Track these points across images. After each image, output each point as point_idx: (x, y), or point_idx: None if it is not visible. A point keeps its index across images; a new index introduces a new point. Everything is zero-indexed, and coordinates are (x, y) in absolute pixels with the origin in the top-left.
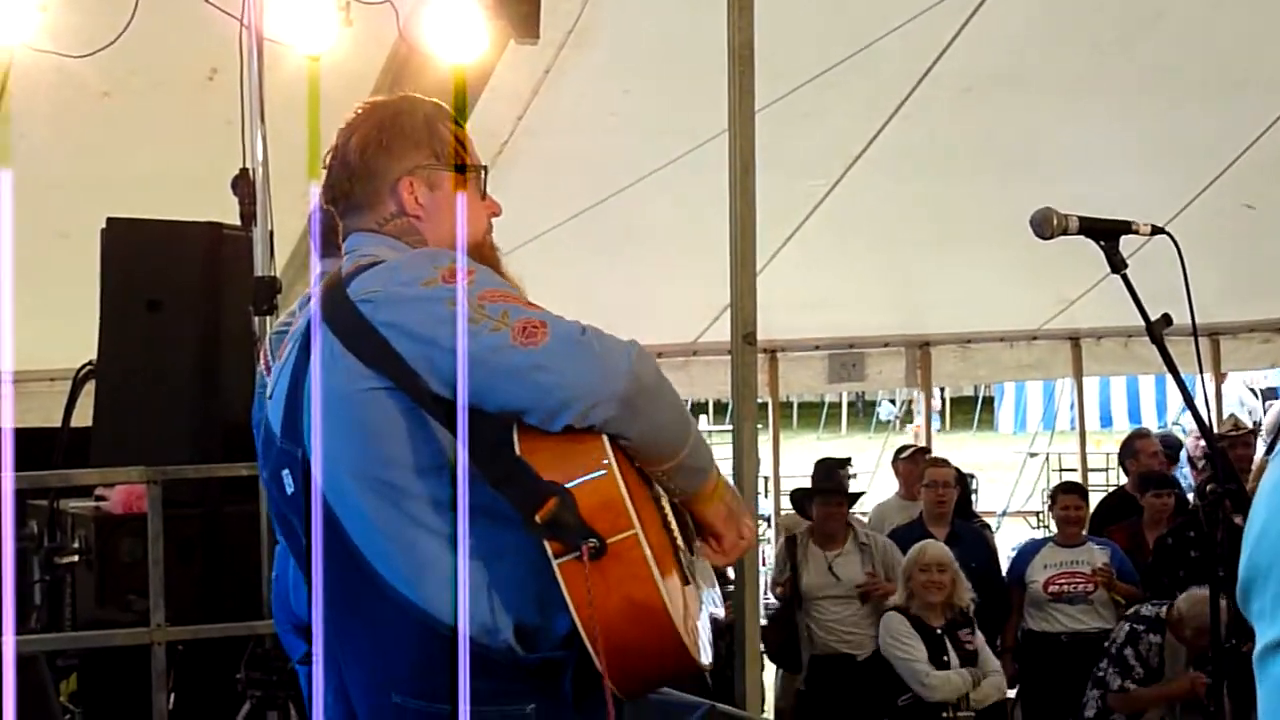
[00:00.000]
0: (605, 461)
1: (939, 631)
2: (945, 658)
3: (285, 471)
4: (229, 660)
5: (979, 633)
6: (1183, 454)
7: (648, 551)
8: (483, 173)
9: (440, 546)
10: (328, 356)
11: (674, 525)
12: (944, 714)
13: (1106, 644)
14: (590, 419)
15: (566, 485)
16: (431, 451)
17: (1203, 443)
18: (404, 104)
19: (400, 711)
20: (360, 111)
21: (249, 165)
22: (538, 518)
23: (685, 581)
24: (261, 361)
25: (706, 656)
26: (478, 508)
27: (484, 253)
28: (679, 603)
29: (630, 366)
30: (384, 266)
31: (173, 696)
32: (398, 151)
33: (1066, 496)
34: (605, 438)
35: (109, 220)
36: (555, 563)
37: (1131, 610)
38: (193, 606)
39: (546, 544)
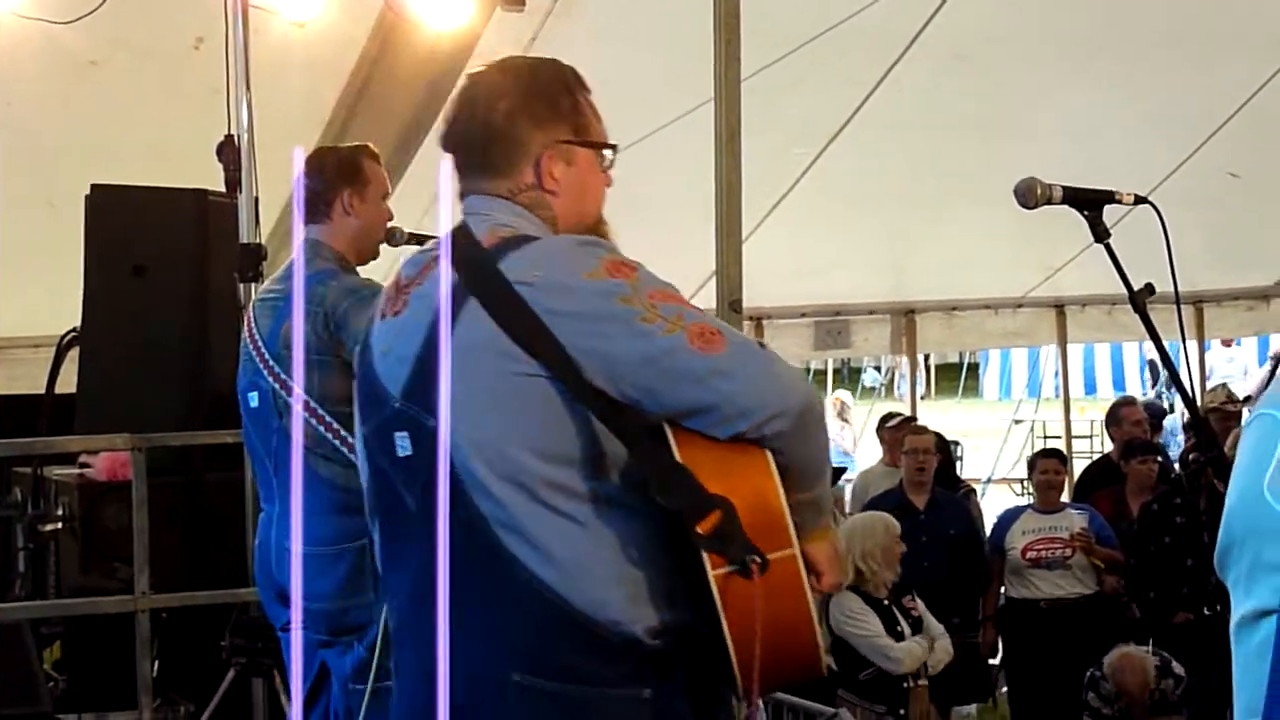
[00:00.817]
0: (770, 476)
1: (886, 603)
2: (899, 628)
3: (401, 434)
4: (213, 627)
5: (919, 599)
6: (1167, 421)
7: (804, 571)
8: (611, 151)
9: (580, 533)
10: (475, 332)
11: None
12: (905, 684)
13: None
14: (764, 430)
15: (728, 497)
16: (581, 442)
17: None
18: (551, 71)
19: (522, 690)
20: (505, 71)
21: (234, 132)
22: (700, 529)
23: None
24: (246, 329)
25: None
26: (610, 498)
27: (600, 229)
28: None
29: (808, 386)
30: (538, 248)
31: (157, 664)
32: (546, 123)
33: (1045, 461)
34: (768, 452)
35: (93, 187)
36: (712, 574)
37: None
38: (177, 574)
39: (705, 555)
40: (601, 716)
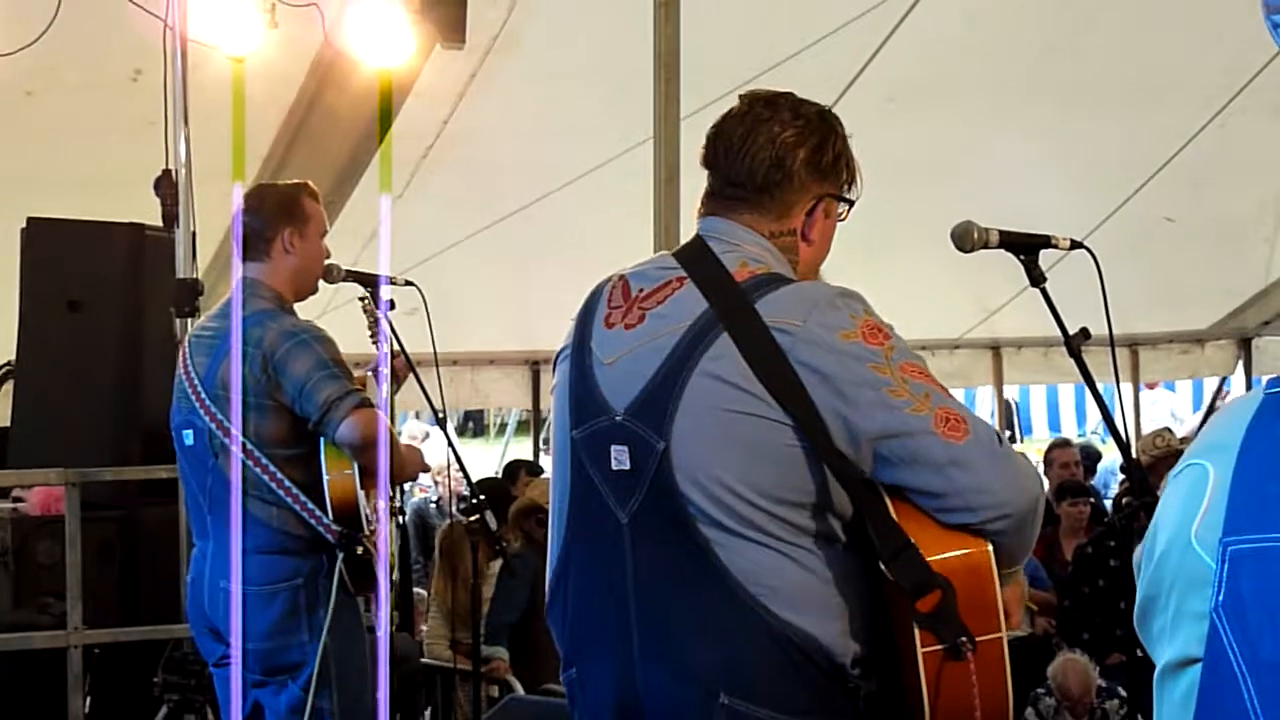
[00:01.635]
0: (988, 558)
1: None
2: None
3: (620, 447)
4: (146, 663)
5: None
6: (1101, 465)
7: (1007, 654)
8: (849, 207)
9: (802, 566)
10: (724, 367)
11: None
12: None
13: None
14: (987, 526)
15: (949, 579)
16: (813, 489)
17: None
18: (836, 124)
19: (729, 712)
20: (801, 116)
21: (172, 166)
22: (920, 607)
23: None
24: (181, 365)
25: None
26: (831, 538)
27: (819, 274)
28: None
29: (1038, 490)
30: (796, 294)
31: (89, 700)
32: (826, 176)
33: None
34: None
35: (29, 220)
36: (921, 650)
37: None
38: (110, 609)
39: (917, 631)
40: None
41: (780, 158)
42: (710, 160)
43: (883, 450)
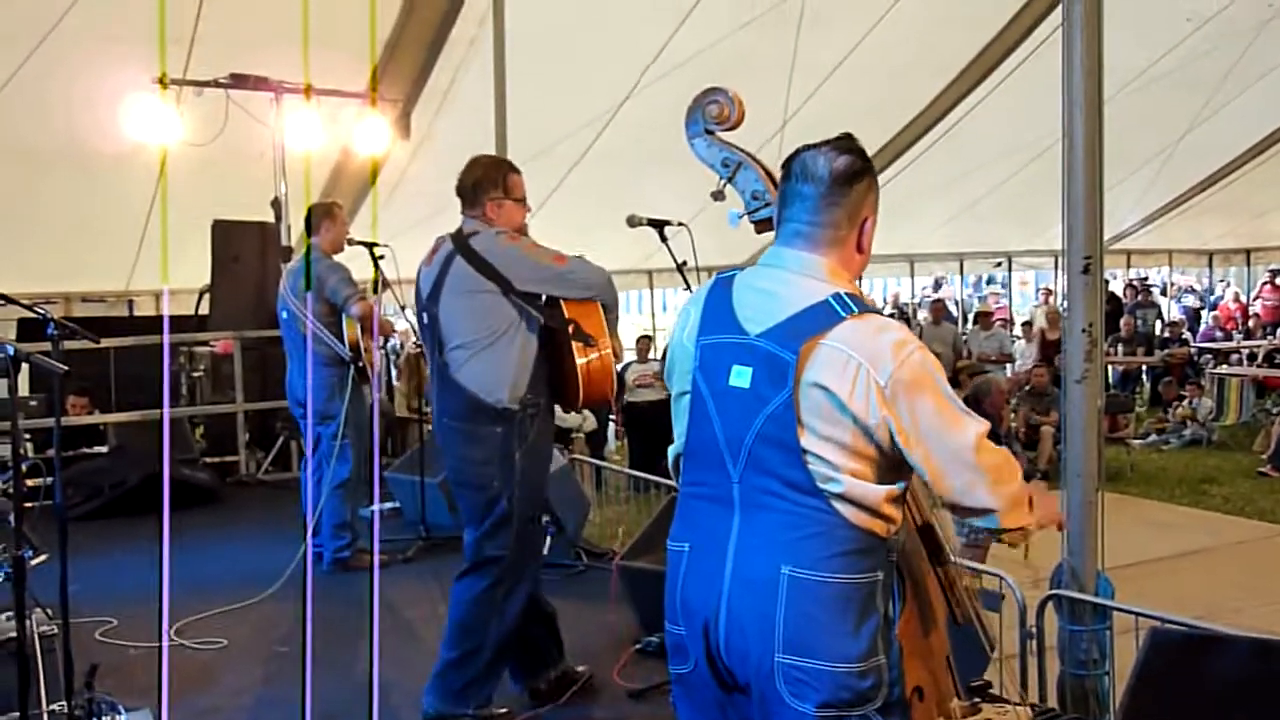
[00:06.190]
0: (598, 312)
1: None
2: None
3: (426, 314)
4: (273, 418)
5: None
6: None
7: (614, 360)
8: (525, 202)
9: (491, 361)
10: (462, 273)
11: None
12: (571, 434)
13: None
14: (588, 295)
15: (574, 318)
16: (511, 318)
17: None
18: (497, 164)
19: (452, 429)
20: (476, 161)
21: (278, 195)
22: (571, 332)
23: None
24: (283, 282)
25: None
26: (512, 338)
27: (524, 229)
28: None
29: (605, 278)
30: (483, 235)
31: (248, 436)
32: (489, 188)
33: (641, 341)
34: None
35: (215, 221)
36: (579, 360)
37: None
38: (256, 393)
39: (574, 345)
40: (487, 439)
41: (467, 179)
42: (458, 190)
43: (534, 282)
